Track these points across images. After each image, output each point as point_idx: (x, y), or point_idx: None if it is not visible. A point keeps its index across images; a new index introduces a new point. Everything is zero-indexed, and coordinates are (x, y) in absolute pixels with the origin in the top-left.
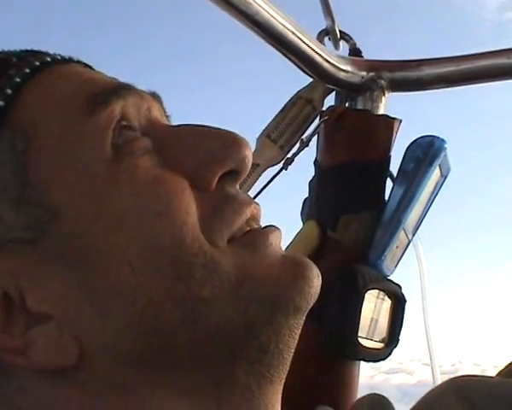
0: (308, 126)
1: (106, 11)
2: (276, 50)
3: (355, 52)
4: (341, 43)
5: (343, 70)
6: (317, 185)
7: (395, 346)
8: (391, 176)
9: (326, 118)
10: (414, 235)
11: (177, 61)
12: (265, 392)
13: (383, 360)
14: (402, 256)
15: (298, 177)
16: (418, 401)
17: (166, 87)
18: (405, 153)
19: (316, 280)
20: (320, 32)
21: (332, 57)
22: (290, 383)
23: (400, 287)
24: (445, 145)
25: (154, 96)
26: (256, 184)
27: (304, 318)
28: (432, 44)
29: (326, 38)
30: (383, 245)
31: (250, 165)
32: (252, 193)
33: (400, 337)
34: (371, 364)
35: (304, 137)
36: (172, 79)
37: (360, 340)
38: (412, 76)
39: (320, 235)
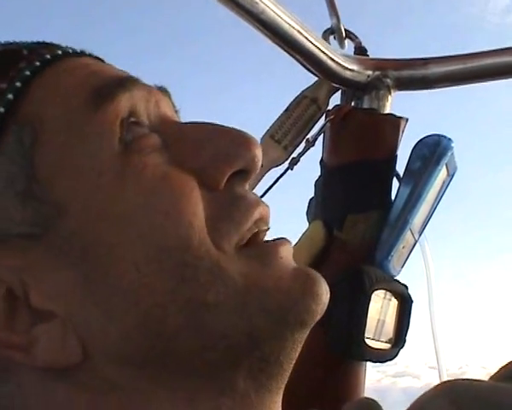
0: (313, 126)
1: None
2: (281, 49)
3: (360, 51)
4: (347, 41)
5: (348, 69)
6: (323, 185)
7: (402, 347)
8: (397, 175)
9: (331, 117)
10: (420, 235)
11: (179, 62)
12: (263, 401)
13: (390, 360)
14: (408, 256)
15: (304, 177)
16: (411, 403)
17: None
18: (412, 152)
19: (324, 297)
20: (325, 30)
21: (337, 56)
22: (297, 383)
23: (407, 287)
24: (452, 144)
25: (162, 91)
26: (260, 184)
27: (308, 332)
28: (437, 45)
29: (331, 37)
30: (390, 245)
31: (260, 164)
32: (256, 194)
33: (407, 338)
34: (378, 367)
35: (309, 136)
36: (177, 81)
37: (367, 341)
38: (418, 74)
39: (326, 235)
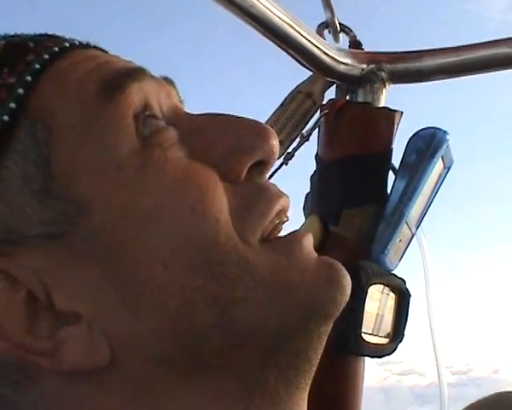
0: (308, 121)
1: None
2: (274, 44)
3: (355, 44)
4: (341, 35)
5: (343, 63)
6: (319, 180)
7: (400, 341)
8: (393, 169)
9: (326, 111)
10: (417, 228)
11: (173, 62)
12: (292, 398)
13: (388, 355)
14: (406, 250)
15: (299, 172)
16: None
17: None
18: (407, 145)
19: (348, 288)
20: (320, 24)
21: (331, 50)
22: None
23: (404, 281)
24: (447, 137)
25: (169, 82)
26: None
27: (331, 324)
28: (435, 42)
29: (326, 31)
30: (386, 239)
31: (277, 156)
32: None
33: (405, 332)
34: (384, 366)
35: (304, 131)
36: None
37: (364, 336)
38: (413, 67)
39: (322, 230)
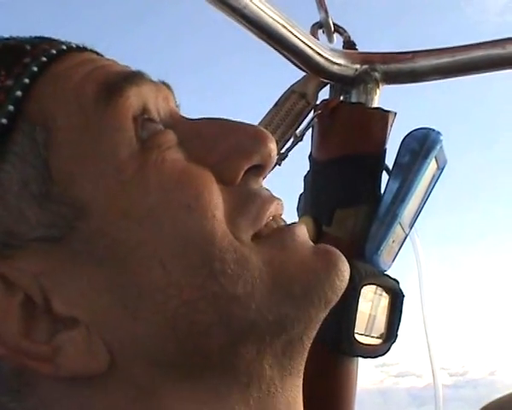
0: (302, 121)
1: None
2: (267, 45)
3: (349, 45)
4: (335, 36)
5: (336, 63)
6: (312, 180)
7: (393, 342)
8: (386, 169)
9: (320, 112)
10: (411, 229)
11: (168, 61)
12: (287, 385)
13: (381, 356)
14: (399, 251)
15: (293, 172)
16: None
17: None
18: (401, 146)
19: (346, 273)
20: (313, 24)
21: (324, 50)
22: None
23: (398, 282)
24: (441, 137)
25: (165, 85)
26: None
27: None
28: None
29: (320, 31)
30: (379, 240)
31: (275, 160)
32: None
33: (398, 333)
34: (380, 368)
35: (298, 131)
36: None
37: (357, 336)
38: (406, 68)
39: (315, 231)
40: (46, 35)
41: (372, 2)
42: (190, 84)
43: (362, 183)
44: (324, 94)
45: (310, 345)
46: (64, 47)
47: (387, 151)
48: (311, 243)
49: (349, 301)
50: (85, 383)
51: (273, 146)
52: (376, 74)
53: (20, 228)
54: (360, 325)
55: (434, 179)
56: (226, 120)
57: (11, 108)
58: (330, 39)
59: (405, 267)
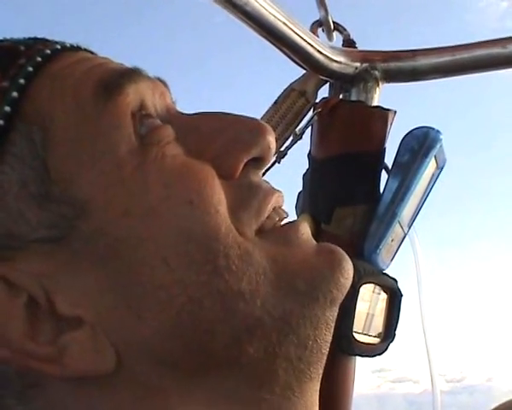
0: (302, 119)
1: None
2: (268, 42)
3: (349, 43)
4: (335, 34)
5: (336, 61)
6: (311, 178)
7: (391, 341)
8: (386, 168)
9: (319, 110)
10: (410, 228)
11: (164, 60)
12: (305, 390)
13: (379, 355)
14: (398, 249)
15: (292, 170)
16: None
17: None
18: (400, 144)
19: (350, 271)
20: (313, 23)
21: (325, 48)
22: None
23: (396, 281)
24: (441, 136)
25: (162, 82)
26: None
27: (337, 310)
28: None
29: (320, 30)
30: (378, 238)
31: (274, 152)
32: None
33: (396, 332)
34: (377, 373)
35: (297, 129)
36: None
37: (355, 335)
38: (407, 66)
39: (314, 229)
40: (42, 32)
41: (372, 1)
42: (188, 82)
43: (361, 181)
44: (324, 92)
45: (327, 350)
46: (58, 47)
47: (387, 150)
48: (314, 242)
49: (347, 300)
50: (93, 384)
51: (272, 138)
52: (376, 73)
53: (20, 229)
54: (358, 324)
55: (434, 178)
56: (224, 113)
57: (8, 109)
58: (330, 37)
59: (404, 269)
